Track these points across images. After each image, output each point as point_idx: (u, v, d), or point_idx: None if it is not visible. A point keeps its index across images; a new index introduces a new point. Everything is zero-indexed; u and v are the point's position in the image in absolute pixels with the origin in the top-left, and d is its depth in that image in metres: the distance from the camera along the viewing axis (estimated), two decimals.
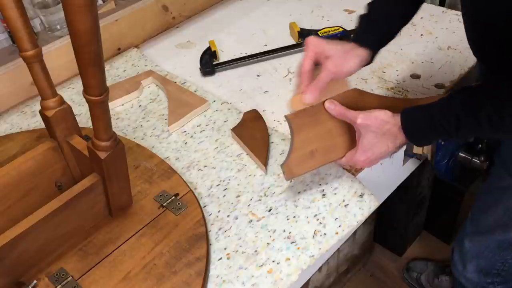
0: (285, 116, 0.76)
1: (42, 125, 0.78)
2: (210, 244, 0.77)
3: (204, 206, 0.83)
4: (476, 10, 0.75)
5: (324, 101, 0.77)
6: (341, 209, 0.81)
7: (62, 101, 0.74)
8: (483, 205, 1.03)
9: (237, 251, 0.76)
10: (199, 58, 1.19)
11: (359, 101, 0.78)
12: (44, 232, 0.70)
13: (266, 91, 1.09)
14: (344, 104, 0.76)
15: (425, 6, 1.30)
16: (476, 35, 0.81)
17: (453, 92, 0.69)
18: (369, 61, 0.83)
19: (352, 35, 0.84)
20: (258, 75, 1.14)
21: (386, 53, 1.14)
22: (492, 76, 0.69)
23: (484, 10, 0.73)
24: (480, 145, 1.21)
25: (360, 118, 0.73)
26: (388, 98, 0.81)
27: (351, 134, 0.78)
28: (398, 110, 0.73)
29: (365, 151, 0.75)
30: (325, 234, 0.77)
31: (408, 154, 1.05)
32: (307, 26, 1.26)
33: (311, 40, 0.81)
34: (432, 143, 0.78)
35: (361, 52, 0.80)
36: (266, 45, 1.23)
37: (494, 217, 0.98)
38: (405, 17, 0.85)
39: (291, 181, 0.86)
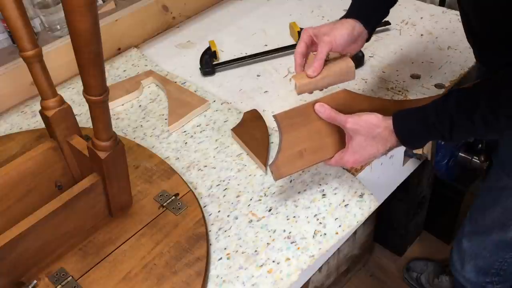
0: (274, 116, 0.74)
1: (42, 125, 0.78)
2: (210, 244, 0.77)
3: (204, 206, 0.83)
4: (478, 8, 0.75)
5: (314, 101, 0.76)
6: (341, 209, 0.81)
7: (62, 101, 0.74)
8: (481, 205, 1.03)
9: (237, 251, 0.76)
10: (199, 58, 1.19)
11: (349, 102, 0.77)
12: (44, 232, 0.70)
13: (266, 91, 1.09)
14: (334, 106, 0.75)
15: (425, 6, 1.31)
16: (476, 32, 0.80)
17: (447, 93, 0.69)
18: (365, 35, 0.81)
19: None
20: (258, 75, 1.14)
21: (386, 53, 1.14)
22: (488, 77, 0.68)
23: (487, 7, 0.72)
24: (480, 145, 1.22)
25: (349, 123, 0.72)
26: (379, 99, 0.80)
27: (341, 134, 0.77)
28: (389, 112, 0.72)
29: (354, 153, 0.75)
30: (325, 234, 0.77)
31: (408, 154, 1.05)
32: (307, 26, 1.25)
33: (306, 28, 0.81)
34: (423, 146, 0.78)
35: (350, 21, 0.79)
36: (266, 45, 1.23)
37: (492, 217, 0.99)
38: None
39: (291, 181, 0.86)
